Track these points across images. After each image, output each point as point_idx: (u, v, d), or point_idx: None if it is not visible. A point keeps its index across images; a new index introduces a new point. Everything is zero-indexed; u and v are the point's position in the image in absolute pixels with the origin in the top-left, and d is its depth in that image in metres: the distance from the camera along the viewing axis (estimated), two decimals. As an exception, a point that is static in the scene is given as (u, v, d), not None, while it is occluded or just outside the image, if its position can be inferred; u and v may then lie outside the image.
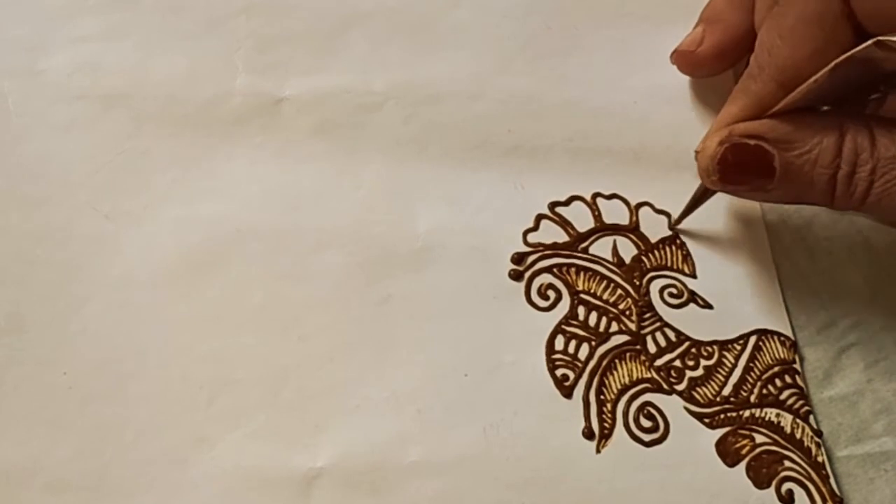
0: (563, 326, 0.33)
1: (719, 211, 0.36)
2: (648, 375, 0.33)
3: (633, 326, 0.34)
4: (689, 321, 0.34)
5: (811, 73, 0.29)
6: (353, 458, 0.31)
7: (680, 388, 0.33)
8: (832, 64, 0.28)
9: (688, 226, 0.36)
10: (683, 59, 0.38)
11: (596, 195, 0.36)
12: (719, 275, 0.35)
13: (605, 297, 0.34)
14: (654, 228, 0.36)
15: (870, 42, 0.26)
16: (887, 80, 0.28)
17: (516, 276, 0.34)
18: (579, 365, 0.33)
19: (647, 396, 0.32)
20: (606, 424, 0.32)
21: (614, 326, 0.34)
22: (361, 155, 0.36)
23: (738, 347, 0.34)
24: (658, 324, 0.34)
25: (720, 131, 0.32)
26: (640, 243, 0.35)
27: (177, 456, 0.30)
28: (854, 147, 0.29)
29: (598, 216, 0.36)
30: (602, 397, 0.32)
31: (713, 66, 0.38)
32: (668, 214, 0.36)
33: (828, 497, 0.31)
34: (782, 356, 0.34)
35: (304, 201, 0.35)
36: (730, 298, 0.34)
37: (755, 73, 0.32)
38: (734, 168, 0.31)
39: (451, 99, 0.38)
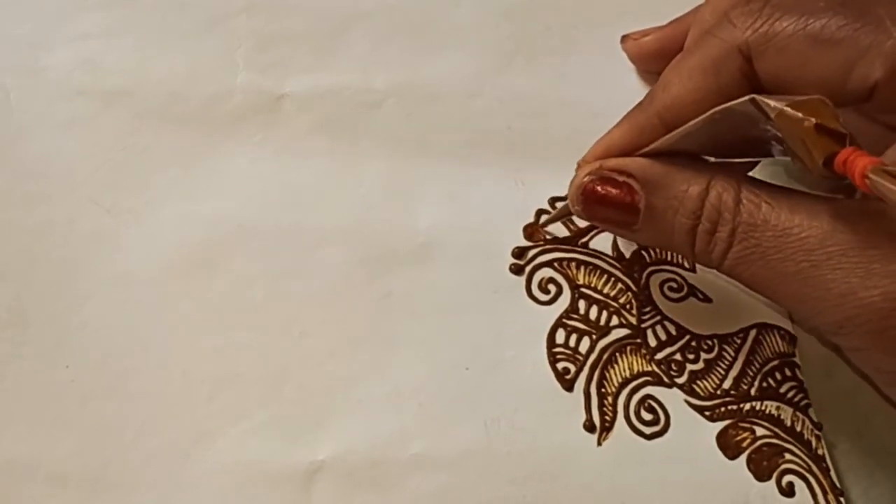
0: (564, 320, 0.34)
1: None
2: (649, 369, 0.33)
3: (633, 320, 0.34)
4: (689, 315, 0.34)
5: (693, 117, 0.28)
6: (355, 452, 0.31)
7: (680, 381, 0.33)
8: (710, 112, 0.27)
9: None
10: (627, 41, 0.39)
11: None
12: (719, 269, 0.35)
13: (605, 290, 0.34)
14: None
15: (745, 98, 0.26)
16: (777, 145, 0.27)
17: (517, 270, 0.34)
18: (580, 358, 0.33)
19: (648, 389, 0.32)
20: (607, 417, 0.32)
21: (615, 320, 0.34)
22: (362, 152, 0.36)
23: (738, 341, 0.34)
24: (658, 317, 0.34)
25: (591, 164, 0.32)
26: (640, 238, 0.35)
27: (178, 451, 0.30)
28: (717, 204, 0.29)
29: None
30: (603, 390, 0.32)
31: (650, 59, 0.38)
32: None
33: (828, 490, 0.31)
34: (782, 349, 0.34)
35: (304, 198, 0.35)
36: (729, 292, 0.35)
37: (645, 105, 0.32)
38: (598, 201, 0.31)
39: (451, 97, 0.38)
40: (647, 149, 0.31)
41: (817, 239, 0.27)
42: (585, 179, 0.31)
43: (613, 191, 0.30)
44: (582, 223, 0.36)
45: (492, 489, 0.31)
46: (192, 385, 0.31)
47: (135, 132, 0.36)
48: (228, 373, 0.32)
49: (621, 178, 0.30)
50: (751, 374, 0.33)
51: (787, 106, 0.25)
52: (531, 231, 0.35)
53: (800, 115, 0.25)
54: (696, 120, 0.28)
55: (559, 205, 0.36)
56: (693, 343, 0.34)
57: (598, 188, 0.31)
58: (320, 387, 0.32)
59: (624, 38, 0.40)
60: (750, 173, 0.32)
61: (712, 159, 0.31)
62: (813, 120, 0.24)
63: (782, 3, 0.30)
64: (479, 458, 0.31)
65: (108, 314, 0.32)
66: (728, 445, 0.32)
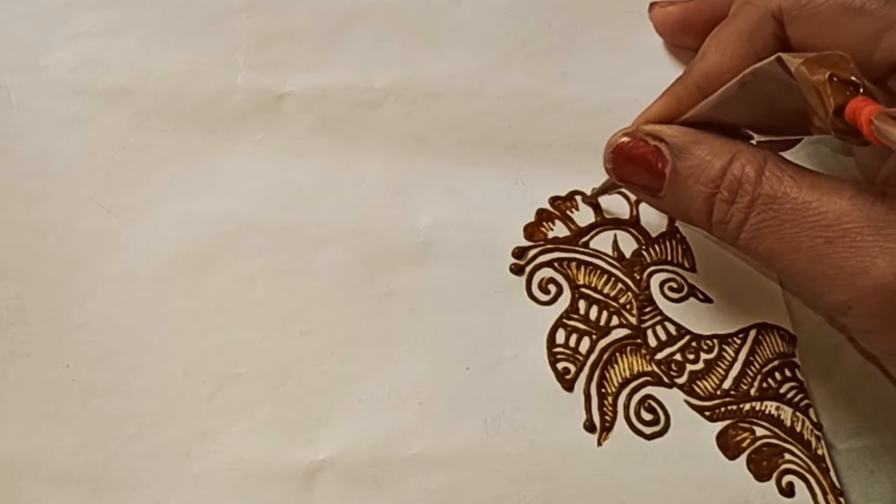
0: (564, 320, 0.34)
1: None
2: (649, 369, 0.33)
3: (633, 320, 0.34)
4: (690, 315, 0.34)
5: None
6: (355, 451, 0.31)
7: (680, 381, 0.33)
8: (740, 75, 0.28)
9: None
10: (654, 9, 0.40)
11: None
12: (719, 269, 0.35)
13: (605, 291, 0.34)
14: (655, 223, 0.36)
15: (772, 57, 0.26)
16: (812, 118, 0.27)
17: (517, 270, 0.34)
18: (580, 358, 0.33)
19: (648, 390, 0.33)
20: (607, 417, 0.32)
21: (615, 320, 0.34)
22: (363, 151, 0.36)
23: (738, 341, 0.34)
24: (658, 318, 0.34)
25: (629, 127, 0.32)
26: (640, 237, 0.35)
27: (179, 449, 0.30)
28: (739, 175, 0.29)
29: (598, 210, 0.36)
30: (603, 391, 0.32)
31: (675, 29, 0.39)
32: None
33: (828, 490, 0.31)
34: (782, 350, 0.34)
35: (305, 197, 0.35)
36: (730, 292, 0.35)
37: (683, 76, 0.33)
38: (628, 161, 0.32)
39: (452, 95, 0.38)
40: (684, 116, 0.31)
41: (835, 215, 0.27)
42: (621, 140, 0.32)
43: (644, 152, 0.31)
44: (582, 222, 0.36)
45: (492, 488, 0.31)
46: (192, 383, 0.31)
47: (135, 131, 0.35)
48: (229, 371, 0.31)
49: (653, 143, 0.31)
50: (751, 374, 0.33)
51: (806, 59, 0.25)
52: (531, 230, 0.35)
53: (816, 66, 0.25)
54: (729, 85, 0.28)
55: (560, 203, 0.36)
56: (693, 343, 0.34)
57: (630, 148, 0.31)
58: (321, 386, 0.32)
59: (651, 6, 0.40)
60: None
61: (756, 137, 0.31)
62: (827, 71, 0.24)
63: None
64: (480, 457, 0.31)
65: (108, 312, 0.32)
66: (728, 445, 0.32)
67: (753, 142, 0.31)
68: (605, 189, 0.35)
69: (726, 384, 0.33)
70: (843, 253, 0.27)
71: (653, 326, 0.34)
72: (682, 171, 0.30)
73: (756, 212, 0.28)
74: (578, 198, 0.36)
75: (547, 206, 0.36)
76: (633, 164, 0.31)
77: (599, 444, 0.32)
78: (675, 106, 0.32)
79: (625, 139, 0.32)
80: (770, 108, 0.28)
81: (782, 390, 0.33)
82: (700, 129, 0.31)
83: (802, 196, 0.28)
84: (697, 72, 0.32)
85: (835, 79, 0.24)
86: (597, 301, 0.34)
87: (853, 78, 0.25)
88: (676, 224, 0.36)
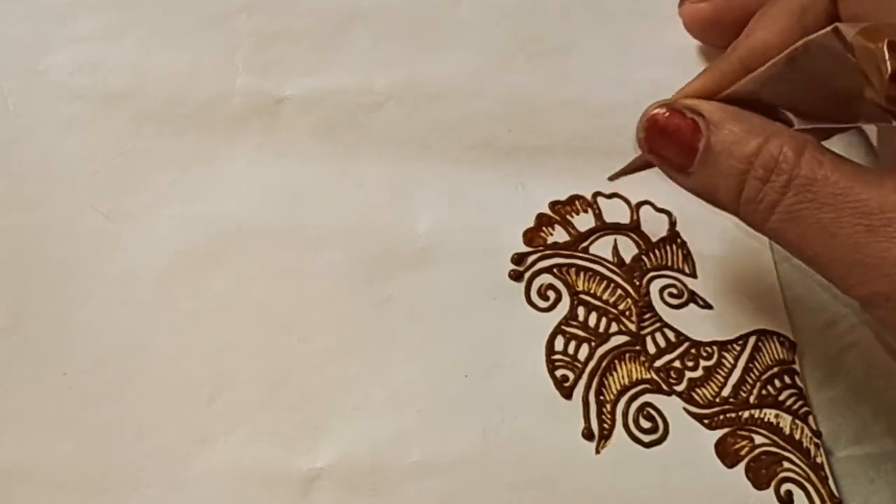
0: (563, 327, 0.33)
1: (720, 211, 0.36)
2: (648, 376, 0.33)
3: (632, 327, 0.34)
4: (689, 321, 0.34)
5: None
6: (354, 458, 0.31)
7: (679, 388, 0.33)
8: (790, 49, 0.26)
9: (688, 225, 0.36)
10: (684, 4, 0.39)
11: (596, 194, 0.36)
12: (719, 275, 0.35)
13: (605, 297, 0.34)
14: (655, 227, 0.36)
15: (828, 28, 0.25)
16: (864, 108, 0.26)
17: (516, 276, 0.34)
18: (579, 366, 0.33)
19: (647, 397, 0.32)
20: (606, 425, 0.32)
21: (614, 327, 0.34)
22: (362, 154, 0.36)
23: (738, 348, 0.34)
24: (658, 324, 0.34)
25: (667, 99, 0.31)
26: (640, 242, 0.35)
27: (177, 455, 0.30)
28: (776, 154, 0.27)
29: (598, 215, 0.36)
30: (602, 398, 0.32)
31: (704, 26, 0.38)
32: (668, 213, 0.36)
33: (826, 498, 0.31)
34: (782, 357, 0.34)
35: (304, 201, 0.35)
36: (730, 299, 0.35)
37: (728, 52, 0.32)
38: (661, 132, 0.30)
39: (452, 98, 0.38)
40: (726, 92, 0.30)
41: (878, 203, 0.26)
42: (656, 111, 0.31)
43: (679, 124, 0.30)
44: (582, 227, 0.35)
45: (491, 495, 0.31)
46: (191, 389, 0.31)
47: (134, 135, 0.35)
48: (228, 377, 0.31)
49: (690, 115, 0.30)
50: (750, 381, 0.33)
51: (864, 27, 0.24)
52: (531, 236, 0.35)
53: (874, 33, 0.24)
54: (776, 59, 0.27)
55: (560, 207, 0.36)
56: (692, 350, 0.33)
57: (666, 119, 0.30)
58: (319, 392, 0.32)
59: (681, 2, 0.39)
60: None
61: (796, 125, 0.30)
62: (886, 38, 0.24)
63: None
64: (478, 464, 0.31)
65: (106, 317, 0.32)
66: (727, 453, 0.32)
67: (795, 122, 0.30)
68: (630, 170, 0.34)
69: (725, 391, 0.33)
70: (886, 243, 0.26)
71: (652, 333, 0.34)
72: (716, 146, 0.29)
73: (793, 192, 0.27)
74: (580, 201, 0.36)
75: (547, 210, 0.36)
76: (666, 136, 0.30)
77: (598, 451, 0.31)
78: (718, 81, 0.31)
79: (661, 110, 0.30)
80: (815, 88, 0.27)
81: (781, 397, 0.33)
82: (737, 106, 0.29)
83: (843, 181, 0.26)
84: (743, 48, 0.31)
85: (893, 45, 0.24)
86: (596, 307, 0.34)
87: None
88: (677, 228, 0.36)
